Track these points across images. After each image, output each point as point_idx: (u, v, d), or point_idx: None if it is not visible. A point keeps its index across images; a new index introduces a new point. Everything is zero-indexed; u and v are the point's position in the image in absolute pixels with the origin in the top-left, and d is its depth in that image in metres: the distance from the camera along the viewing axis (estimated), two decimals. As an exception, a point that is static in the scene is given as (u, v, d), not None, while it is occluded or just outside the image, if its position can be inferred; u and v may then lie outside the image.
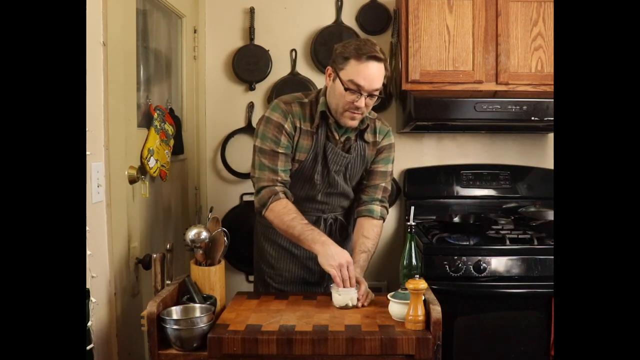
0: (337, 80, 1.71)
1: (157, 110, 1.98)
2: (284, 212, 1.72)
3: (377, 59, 1.68)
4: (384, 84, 2.53)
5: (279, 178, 1.77)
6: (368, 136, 1.87)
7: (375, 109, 2.71)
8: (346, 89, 1.68)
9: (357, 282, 1.66)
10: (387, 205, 1.94)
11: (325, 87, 1.81)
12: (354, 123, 1.77)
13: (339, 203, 1.93)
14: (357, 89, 1.68)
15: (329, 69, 1.76)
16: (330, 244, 1.66)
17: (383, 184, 1.92)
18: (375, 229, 1.86)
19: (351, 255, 1.72)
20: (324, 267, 1.63)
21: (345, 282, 1.61)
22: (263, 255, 1.96)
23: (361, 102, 1.70)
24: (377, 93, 1.72)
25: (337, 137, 1.82)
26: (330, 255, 1.62)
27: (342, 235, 1.96)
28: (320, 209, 1.91)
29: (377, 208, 1.89)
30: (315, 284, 1.95)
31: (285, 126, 1.77)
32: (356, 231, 1.87)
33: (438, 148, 2.78)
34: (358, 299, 1.63)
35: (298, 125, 1.79)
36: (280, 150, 1.76)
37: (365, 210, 1.89)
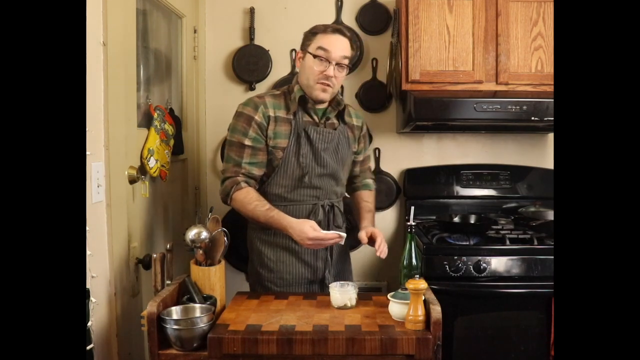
0: (307, 55, 1.84)
1: (157, 110, 1.98)
2: (246, 201, 1.81)
3: (342, 33, 1.85)
4: (382, 83, 2.60)
5: (243, 170, 1.83)
6: (347, 118, 2.00)
7: (375, 108, 2.73)
8: (315, 57, 1.80)
9: (373, 237, 1.86)
10: (374, 178, 2.22)
11: (296, 78, 1.92)
12: (326, 96, 1.86)
13: (331, 187, 1.95)
14: (326, 57, 1.80)
15: (299, 53, 1.90)
16: (292, 224, 1.75)
17: (369, 164, 2.22)
18: (372, 197, 2.14)
19: (358, 217, 2.03)
20: (304, 245, 1.76)
21: (326, 242, 1.74)
22: (261, 260, 1.93)
23: (330, 70, 1.81)
24: (345, 62, 1.85)
25: (317, 120, 1.91)
26: (298, 233, 1.74)
27: (336, 223, 1.97)
28: (315, 195, 1.91)
29: (370, 181, 2.16)
30: (316, 281, 1.93)
31: (255, 117, 1.82)
32: (357, 199, 2.10)
33: (438, 148, 2.78)
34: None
35: (272, 114, 1.84)
36: (247, 143, 1.82)
37: (362, 185, 2.14)
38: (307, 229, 1.73)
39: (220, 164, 2.71)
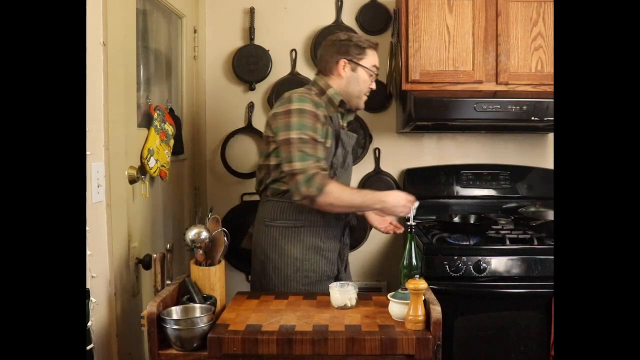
0: (359, 69, 1.93)
1: (157, 110, 1.98)
2: (341, 190, 1.83)
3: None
4: (382, 83, 2.63)
5: (322, 165, 1.80)
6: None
7: (375, 108, 2.73)
8: (370, 74, 1.95)
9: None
10: None
11: (324, 80, 1.94)
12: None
13: (348, 183, 2.06)
14: (376, 74, 1.98)
15: (343, 62, 1.91)
16: (387, 193, 1.89)
17: None
18: None
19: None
20: (397, 211, 1.85)
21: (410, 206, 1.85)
22: (286, 260, 1.90)
23: (374, 84, 1.99)
24: None
25: (341, 123, 1.99)
26: (395, 197, 1.85)
27: (352, 221, 2.07)
28: None
29: None
30: (332, 276, 1.96)
31: (319, 114, 1.83)
32: None
33: (438, 148, 2.78)
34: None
35: (325, 113, 1.87)
36: (318, 139, 1.81)
37: None
38: (401, 194, 1.87)
39: (221, 164, 2.71)
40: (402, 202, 1.84)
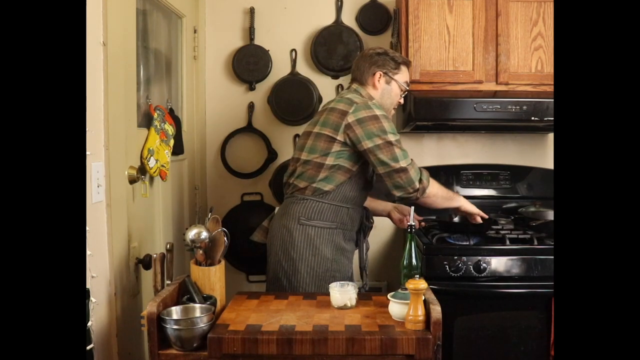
0: (393, 83, 2.01)
1: (157, 110, 1.98)
2: (438, 184, 1.98)
3: None
4: None
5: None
6: None
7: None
8: (401, 90, 2.03)
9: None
10: None
11: (365, 91, 2.00)
12: None
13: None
14: (406, 89, 2.06)
15: (379, 74, 1.99)
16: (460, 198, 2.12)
17: None
18: None
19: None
20: (471, 209, 2.11)
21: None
22: (319, 260, 1.92)
23: (402, 99, 2.08)
24: None
25: None
26: (468, 205, 2.11)
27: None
28: (364, 200, 2.07)
29: None
30: (352, 278, 2.04)
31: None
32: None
33: (438, 148, 2.78)
34: (416, 226, 1.76)
35: None
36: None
37: None
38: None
39: (221, 164, 2.71)
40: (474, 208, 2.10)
